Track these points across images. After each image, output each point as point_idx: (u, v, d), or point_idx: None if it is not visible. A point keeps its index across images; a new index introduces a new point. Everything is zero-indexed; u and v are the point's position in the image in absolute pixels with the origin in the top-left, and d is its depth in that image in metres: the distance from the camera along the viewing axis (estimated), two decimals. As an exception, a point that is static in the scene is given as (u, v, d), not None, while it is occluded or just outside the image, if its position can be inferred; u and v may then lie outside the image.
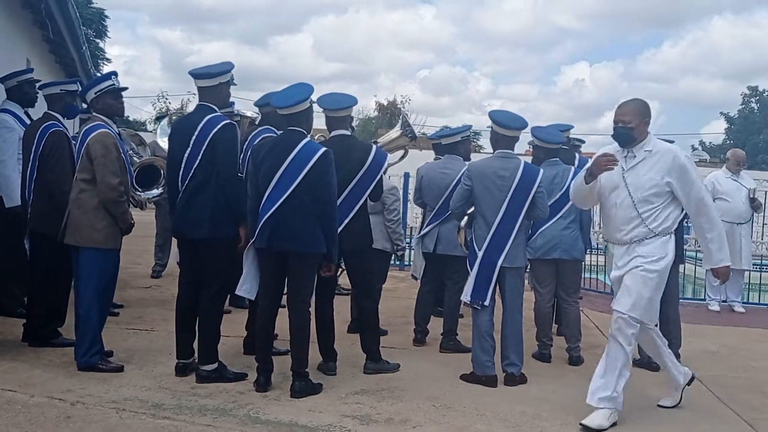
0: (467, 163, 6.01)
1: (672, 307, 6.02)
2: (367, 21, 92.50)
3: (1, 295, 6.29)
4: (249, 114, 6.43)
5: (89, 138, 4.92)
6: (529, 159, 5.86)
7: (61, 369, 4.93)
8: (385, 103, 44.28)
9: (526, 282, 5.66)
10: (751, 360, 6.46)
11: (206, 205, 4.77)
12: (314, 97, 5.00)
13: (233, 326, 5.78)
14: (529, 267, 5.76)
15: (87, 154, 4.92)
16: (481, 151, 23.76)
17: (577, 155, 6.73)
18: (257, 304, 4.91)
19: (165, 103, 36.31)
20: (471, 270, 5.21)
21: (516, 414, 4.56)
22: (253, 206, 4.76)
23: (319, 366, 5.20)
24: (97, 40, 24.83)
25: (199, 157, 4.75)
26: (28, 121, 6.11)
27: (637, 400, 4.89)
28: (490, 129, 5.44)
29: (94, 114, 5.14)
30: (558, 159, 5.95)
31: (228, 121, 4.87)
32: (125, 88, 5.29)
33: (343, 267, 5.48)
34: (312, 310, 4.88)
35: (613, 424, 4.39)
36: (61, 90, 5.83)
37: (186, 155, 4.78)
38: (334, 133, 5.34)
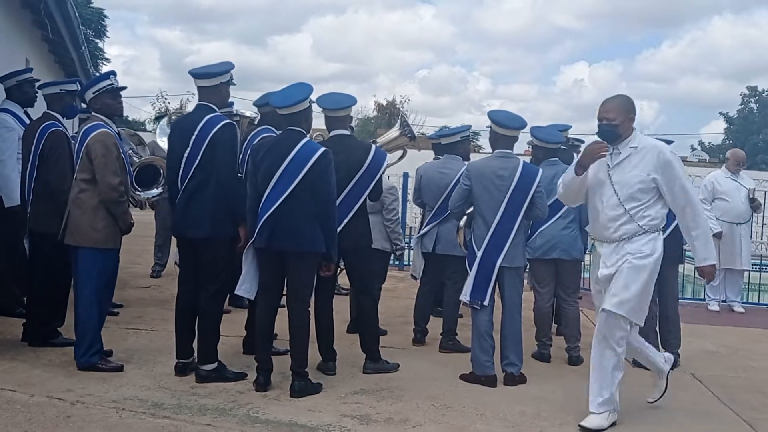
0: (466, 162, 6.01)
1: (671, 307, 6.03)
2: (366, 21, 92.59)
3: (1, 295, 6.29)
4: (248, 114, 6.43)
5: (89, 138, 4.92)
6: (528, 159, 5.87)
7: (61, 368, 4.93)
8: (385, 103, 44.35)
9: (526, 282, 5.66)
10: (750, 360, 6.46)
11: (206, 204, 4.77)
12: (313, 96, 5.00)
13: (233, 326, 5.78)
14: (528, 267, 5.76)
15: (87, 154, 4.91)
16: (481, 150, 23.75)
17: (575, 155, 6.71)
18: (257, 303, 4.92)
19: (164, 102, 36.34)
20: (470, 270, 5.21)
21: (515, 414, 4.56)
22: (253, 206, 4.76)
23: (318, 366, 5.20)
24: (97, 40, 24.84)
25: (199, 157, 4.76)
26: (27, 121, 6.11)
27: (636, 400, 4.89)
28: (489, 129, 5.45)
29: (93, 114, 5.13)
30: (557, 159, 5.95)
31: (228, 120, 4.88)
32: (124, 88, 5.30)
33: (343, 266, 5.48)
34: (311, 309, 4.88)
35: (613, 424, 4.39)
36: (60, 90, 5.83)
37: (186, 155, 4.78)
38: (333, 133, 5.34)
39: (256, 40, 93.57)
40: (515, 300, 5.26)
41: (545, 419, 4.50)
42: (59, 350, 5.27)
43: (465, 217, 5.53)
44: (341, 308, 6.14)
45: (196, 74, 4.93)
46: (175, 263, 5.69)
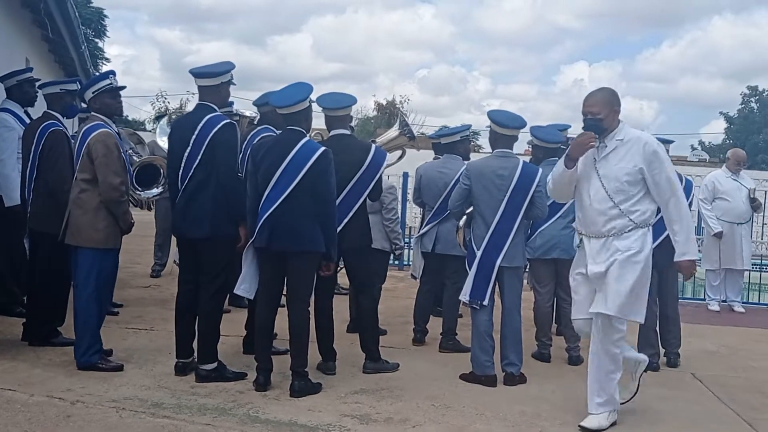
0: (466, 162, 6.01)
1: (671, 307, 6.03)
2: (366, 21, 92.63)
3: (1, 295, 6.29)
4: (248, 113, 6.42)
5: (90, 138, 4.92)
6: (528, 158, 5.87)
7: (61, 368, 4.93)
8: (384, 102, 44.37)
9: (525, 282, 5.66)
10: (750, 360, 6.46)
11: (206, 204, 4.77)
12: (313, 96, 4.99)
13: (233, 325, 5.78)
14: (528, 267, 5.75)
15: (88, 155, 4.91)
16: (481, 150, 23.73)
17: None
18: (257, 303, 4.92)
19: (164, 102, 36.41)
20: (469, 270, 5.21)
21: (515, 413, 4.56)
22: (253, 206, 4.76)
23: (318, 365, 5.20)
24: (96, 40, 24.85)
25: (199, 157, 4.75)
26: (27, 121, 6.12)
27: (636, 400, 4.88)
28: (489, 129, 5.44)
29: (92, 114, 5.13)
30: (557, 158, 5.91)
31: (228, 120, 4.87)
32: (123, 87, 5.29)
33: (342, 266, 5.48)
34: (311, 309, 4.88)
35: (613, 424, 4.39)
36: (60, 89, 5.83)
37: (186, 155, 4.78)
38: (333, 133, 5.33)
39: (255, 39, 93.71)
40: (515, 300, 5.26)
41: (545, 419, 4.50)
42: (59, 350, 5.27)
43: (464, 217, 5.53)
44: (341, 308, 6.14)
45: (198, 74, 4.93)
46: (175, 262, 5.70)
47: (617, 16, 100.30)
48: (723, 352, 6.73)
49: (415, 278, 6.59)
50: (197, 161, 4.76)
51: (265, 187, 4.68)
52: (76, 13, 10.51)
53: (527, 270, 5.78)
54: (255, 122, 6.04)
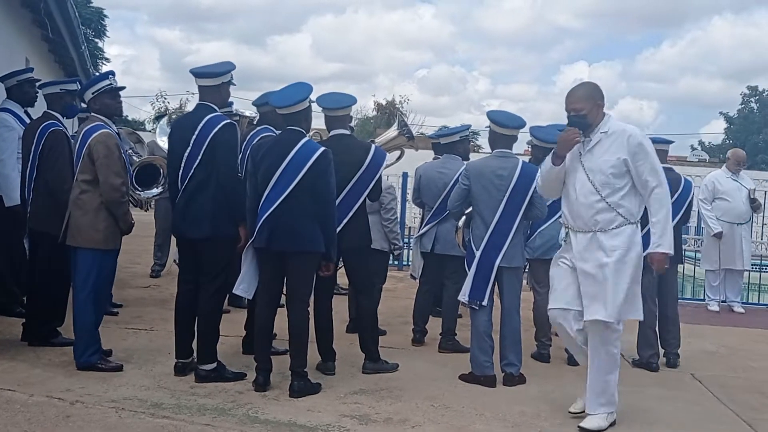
0: (465, 162, 6.01)
1: (671, 307, 6.03)
2: (365, 21, 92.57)
3: (1, 294, 6.29)
4: (248, 114, 6.43)
5: (91, 138, 4.92)
6: (527, 158, 5.87)
7: (61, 368, 4.93)
8: (384, 102, 44.31)
9: (525, 282, 5.66)
10: (750, 360, 6.46)
11: (206, 204, 4.77)
12: (313, 96, 5.00)
13: (232, 326, 5.78)
14: (527, 267, 5.75)
15: (89, 155, 4.91)
16: (480, 150, 23.74)
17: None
18: (256, 303, 4.92)
19: (164, 102, 36.41)
20: (469, 270, 5.21)
21: (515, 414, 4.56)
22: (252, 206, 4.76)
23: (317, 366, 5.20)
24: (96, 40, 24.85)
25: (200, 157, 4.75)
26: (27, 121, 6.12)
27: (635, 400, 4.89)
28: (488, 129, 5.45)
29: (92, 114, 5.13)
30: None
31: (228, 120, 4.87)
32: (123, 88, 5.29)
33: (342, 266, 5.48)
34: (311, 309, 4.88)
35: (612, 423, 4.39)
36: (60, 89, 5.83)
37: (186, 155, 4.78)
38: (333, 133, 5.33)
39: (255, 39, 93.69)
40: (514, 300, 5.26)
41: (545, 419, 4.50)
42: (59, 350, 5.27)
43: (464, 217, 5.53)
44: (340, 308, 6.14)
45: (198, 73, 4.93)
46: (175, 261, 5.69)
47: (617, 16, 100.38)
48: (722, 352, 6.73)
49: (414, 278, 6.59)
50: (197, 161, 4.76)
51: (265, 187, 4.68)
52: (76, 13, 10.51)
53: (526, 270, 5.78)
54: (254, 122, 6.04)
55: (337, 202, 4.95)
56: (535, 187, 5.16)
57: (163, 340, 5.65)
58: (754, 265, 9.67)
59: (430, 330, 6.32)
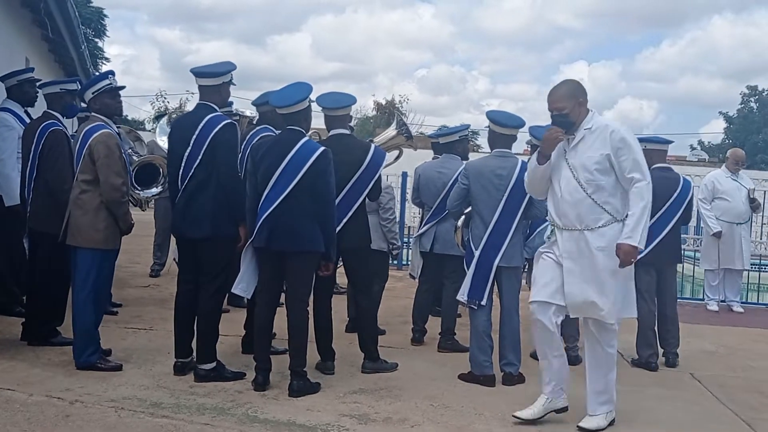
0: (465, 162, 6.02)
1: (670, 307, 6.03)
2: (365, 20, 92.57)
3: (0, 294, 6.29)
4: (248, 113, 6.43)
5: (91, 138, 4.92)
6: (527, 158, 5.86)
7: (60, 368, 4.94)
8: (384, 102, 44.28)
9: (524, 282, 5.66)
10: (749, 360, 6.46)
11: (206, 204, 4.77)
12: (313, 96, 5.00)
13: (232, 325, 5.78)
14: (526, 266, 5.75)
15: (89, 155, 4.91)
16: (480, 150, 23.75)
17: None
18: (256, 303, 4.92)
19: (163, 102, 36.41)
20: (468, 270, 5.22)
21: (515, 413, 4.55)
22: (252, 205, 4.76)
23: (317, 365, 5.20)
24: (96, 40, 24.84)
25: (200, 157, 4.76)
26: (27, 120, 6.12)
27: (635, 399, 4.90)
28: (488, 128, 5.45)
29: (93, 114, 5.13)
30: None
31: (229, 120, 4.88)
32: (122, 87, 5.29)
33: (341, 265, 5.48)
34: (310, 309, 4.88)
35: (612, 422, 4.39)
36: (60, 89, 5.83)
37: (186, 154, 4.78)
38: (332, 132, 5.34)
39: (255, 39, 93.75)
40: (513, 300, 5.27)
41: (544, 419, 4.49)
42: (58, 349, 5.27)
43: (463, 217, 5.54)
44: (340, 307, 6.15)
45: (199, 73, 4.93)
46: (174, 260, 5.69)
47: (617, 16, 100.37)
48: (722, 352, 6.73)
49: (413, 278, 6.59)
50: (198, 161, 4.76)
51: (265, 187, 4.69)
52: (76, 13, 10.51)
53: (526, 270, 5.78)
54: (254, 122, 6.04)
55: (337, 201, 4.95)
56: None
57: (162, 340, 5.65)
58: (753, 264, 9.67)
59: (429, 329, 6.32)
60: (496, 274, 5.17)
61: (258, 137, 5.36)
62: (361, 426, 4.21)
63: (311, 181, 4.66)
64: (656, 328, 5.94)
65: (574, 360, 5.83)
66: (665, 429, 4.50)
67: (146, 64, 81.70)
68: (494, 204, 5.15)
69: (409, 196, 7.85)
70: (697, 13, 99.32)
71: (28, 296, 5.74)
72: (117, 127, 5.47)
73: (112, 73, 5.33)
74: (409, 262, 7.31)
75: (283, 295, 4.86)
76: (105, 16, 25.33)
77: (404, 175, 10.77)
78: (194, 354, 4.90)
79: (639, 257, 5.78)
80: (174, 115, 8.62)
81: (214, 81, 4.92)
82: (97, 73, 11.02)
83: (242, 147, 5.38)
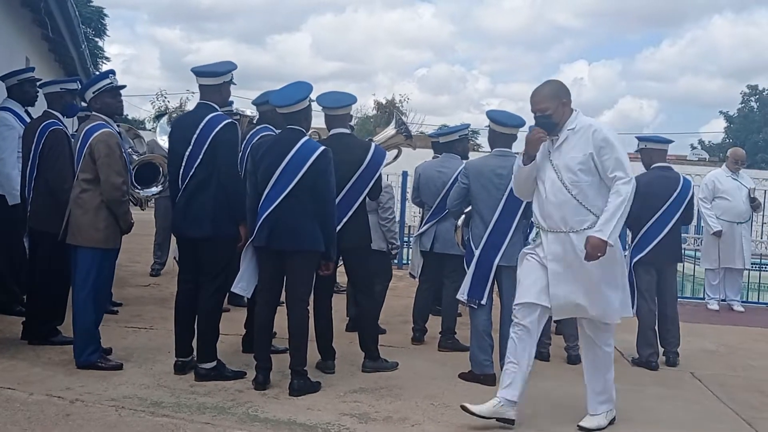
0: (464, 161, 6.02)
1: (670, 306, 6.04)
2: (365, 20, 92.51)
3: (1, 293, 6.29)
4: (248, 113, 6.43)
5: (92, 138, 4.92)
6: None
7: (61, 367, 4.94)
8: (384, 101, 44.20)
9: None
10: (749, 359, 6.47)
11: (207, 204, 4.77)
12: (313, 95, 5.00)
13: (232, 324, 5.78)
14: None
15: (90, 154, 4.91)
16: (480, 149, 23.76)
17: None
18: (256, 302, 4.92)
19: (164, 101, 36.39)
20: (468, 269, 5.22)
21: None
22: (252, 205, 4.76)
23: (317, 364, 5.20)
24: (96, 39, 24.82)
25: (201, 156, 4.75)
26: (28, 120, 6.12)
27: (635, 398, 4.90)
28: (488, 128, 5.45)
29: (93, 113, 5.13)
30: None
31: (229, 120, 4.88)
32: (123, 87, 5.29)
33: (341, 264, 5.48)
34: (310, 308, 4.88)
35: (612, 420, 4.39)
36: (61, 89, 5.83)
37: (187, 154, 4.78)
38: (333, 132, 5.34)
39: (255, 38, 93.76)
40: (513, 299, 5.25)
41: (544, 418, 4.50)
42: (59, 348, 5.27)
43: (463, 216, 5.54)
44: (340, 307, 6.15)
45: (200, 72, 4.92)
46: (175, 258, 5.69)
47: (617, 15, 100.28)
48: (722, 351, 6.73)
49: (413, 277, 6.59)
50: (198, 160, 4.76)
51: (265, 186, 4.69)
52: (76, 12, 10.51)
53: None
54: (254, 121, 6.04)
55: (337, 200, 4.95)
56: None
57: (162, 339, 5.65)
58: (754, 264, 9.65)
59: (429, 329, 6.32)
60: (497, 274, 5.17)
61: (258, 137, 5.36)
62: (361, 425, 4.21)
63: (311, 180, 4.66)
64: (656, 328, 5.95)
65: (574, 359, 5.84)
66: (665, 428, 4.50)
67: (146, 64, 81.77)
68: (494, 203, 5.15)
69: (409, 196, 7.85)
70: (697, 12, 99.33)
71: (28, 295, 5.74)
72: (119, 129, 5.47)
73: (112, 72, 5.32)
74: (410, 262, 7.31)
75: (283, 294, 4.86)
76: (105, 15, 25.33)
77: (404, 174, 10.77)
78: (195, 353, 4.90)
79: (639, 257, 5.92)
80: (174, 115, 8.60)
81: (215, 80, 4.92)
82: (97, 73, 11.03)
83: (242, 146, 5.39)
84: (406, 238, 10.67)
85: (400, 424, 4.26)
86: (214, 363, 4.86)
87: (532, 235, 4.49)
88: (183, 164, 4.80)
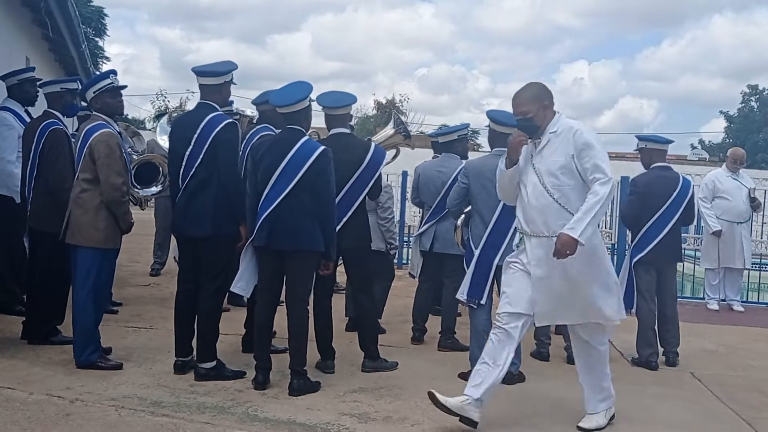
0: (464, 161, 6.02)
1: (670, 306, 6.03)
2: (365, 19, 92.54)
3: (1, 293, 6.30)
4: (248, 112, 6.43)
5: (92, 138, 4.92)
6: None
7: (61, 367, 4.94)
8: (384, 101, 44.19)
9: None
10: (749, 359, 6.46)
11: (207, 203, 4.77)
12: (313, 95, 5.00)
13: (232, 324, 5.78)
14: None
15: (90, 154, 4.91)
16: (480, 149, 23.76)
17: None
18: (256, 302, 4.92)
19: (164, 101, 36.40)
20: (467, 268, 5.22)
21: (514, 412, 4.56)
22: (252, 205, 4.76)
23: (317, 364, 5.21)
24: (97, 39, 24.79)
25: (201, 156, 4.76)
26: (28, 119, 6.13)
27: (635, 398, 4.90)
28: (488, 128, 5.45)
29: (94, 113, 5.13)
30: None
31: (230, 120, 4.88)
32: (124, 87, 5.29)
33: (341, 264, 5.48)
34: (310, 308, 4.88)
35: (612, 417, 4.39)
36: (61, 88, 5.83)
37: (187, 153, 4.78)
38: (332, 132, 5.34)
39: (255, 38, 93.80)
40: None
41: (544, 417, 4.50)
42: (59, 348, 5.28)
43: (463, 216, 5.54)
44: (339, 306, 6.15)
45: (201, 72, 4.92)
46: (174, 258, 5.69)
47: (617, 15, 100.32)
48: (722, 351, 6.73)
49: (413, 277, 6.59)
50: (199, 160, 4.76)
51: (265, 186, 4.69)
52: (77, 12, 10.51)
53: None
54: (254, 121, 6.04)
55: (337, 200, 4.96)
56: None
57: (162, 339, 5.65)
58: (754, 263, 9.64)
59: (429, 328, 6.33)
60: (496, 273, 5.16)
61: (258, 136, 5.36)
62: (361, 425, 4.21)
63: (311, 180, 4.66)
64: (656, 328, 5.94)
65: (574, 359, 5.84)
66: (665, 428, 4.50)
67: (146, 63, 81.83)
68: (494, 203, 5.14)
69: (409, 196, 7.86)
70: (697, 12, 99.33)
71: (28, 295, 5.74)
72: (120, 129, 5.47)
73: (114, 72, 5.32)
74: (409, 262, 7.31)
75: (283, 294, 4.86)
76: (105, 15, 25.29)
77: (404, 174, 10.78)
78: (194, 353, 4.90)
79: (639, 257, 5.92)
80: (174, 114, 8.61)
81: (216, 80, 4.92)
82: (97, 73, 11.03)
83: (242, 146, 5.39)
84: (405, 238, 10.68)
85: (400, 424, 4.26)
86: (214, 363, 4.86)
87: (516, 241, 4.40)
88: (183, 164, 4.80)
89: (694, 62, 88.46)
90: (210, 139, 4.74)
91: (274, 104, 4.88)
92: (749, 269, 9.27)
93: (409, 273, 6.79)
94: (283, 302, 4.82)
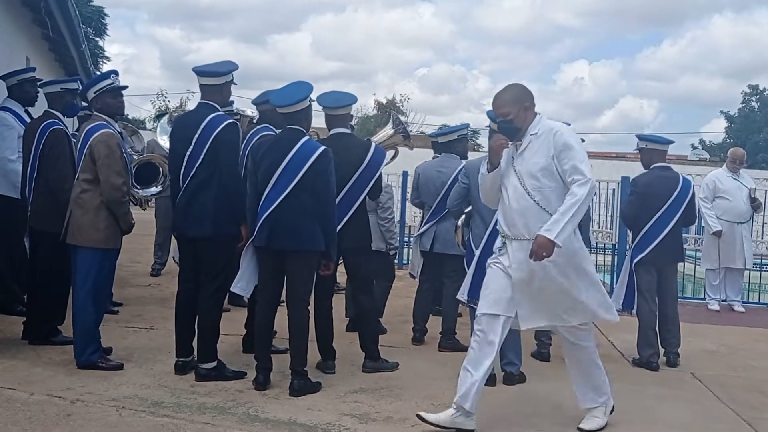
0: (464, 161, 6.02)
1: (671, 306, 6.03)
2: (365, 19, 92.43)
3: (1, 293, 6.30)
4: (248, 112, 6.43)
5: (92, 138, 4.92)
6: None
7: (61, 367, 4.94)
8: (384, 101, 44.18)
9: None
10: (750, 359, 6.46)
11: (208, 203, 4.77)
12: (313, 95, 5.00)
13: (232, 324, 5.78)
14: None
15: (90, 155, 4.91)
16: (480, 149, 23.76)
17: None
18: (256, 302, 4.92)
19: (164, 101, 36.40)
20: (468, 269, 5.21)
21: (514, 413, 4.56)
22: (252, 205, 4.76)
23: (317, 364, 5.20)
24: (97, 39, 24.79)
25: (202, 156, 4.76)
26: (28, 120, 6.12)
27: (635, 399, 4.90)
28: (488, 128, 5.45)
29: (94, 113, 5.13)
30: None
31: (231, 120, 4.88)
32: (125, 87, 5.29)
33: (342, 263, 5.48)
34: (311, 308, 4.88)
35: (611, 410, 4.39)
36: (61, 88, 5.83)
37: (188, 153, 4.78)
38: (333, 132, 5.34)
39: (255, 38, 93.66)
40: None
41: (544, 418, 4.50)
42: (59, 348, 5.28)
43: (463, 216, 5.53)
44: (340, 307, 6.15)
45: (202, 72, 4.92)
46: (174, 259, 5.69)
47: (617, 15, 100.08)
48: (723, 351, 6.73)
49: (413, 277, 6.59)
50: (199, 160, 4.76)
51: (265, 186, 4.69)
52: (77, 12, 10.50)
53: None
54: (254, 121, 6.04)
55: (337, 200, 4.95)
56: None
57: (163, 339, 5.66)
58: (755, 264, 9.64)
59: (430, 329, 6.32)
60: (497, 274, 5.15)
61: (258, 136, 5.36)
62: (361, 425, 4.21)
63: (312, 180, 4.66)
64: (657, 328, 5.94)
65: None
66: (666, 428, 4.50)
67: (147, 63, 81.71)
68: (495, 203, 5.14)
69: (409, 196, 7.85)
70: (697, 12, 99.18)
71: (28, 295, 5.74)
72: (120, 129, 5.47)
73: (115, 72, 5.31)
74: (410, 262, 7.31)
75: (283, 294, 4.86)
76: (105, 15, 25.28)
77: (404, 174, 10.78)
78: (195, 353, 4.90)
79: (640, 257, 5.92)
80: (175, 114, 8.61)
81: (217, 80, 4.92)
82: (97, 72, 11.03)
83: (242, 146, 5.38)
84: (406, 239, 10.68)
85: (401, 425, 4.26)
86: (215, 363, 4.86)
87: (497, 244, 4.36)
88: (184, 164, 4.80)
89: (694, 62, 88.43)
90: (211, 140, 4.74)
91: (275, 104, 4.88)
92: (750, 269, 9.26)
93: (410, 273, 6.79)
94: (283, 302, 4.82)
